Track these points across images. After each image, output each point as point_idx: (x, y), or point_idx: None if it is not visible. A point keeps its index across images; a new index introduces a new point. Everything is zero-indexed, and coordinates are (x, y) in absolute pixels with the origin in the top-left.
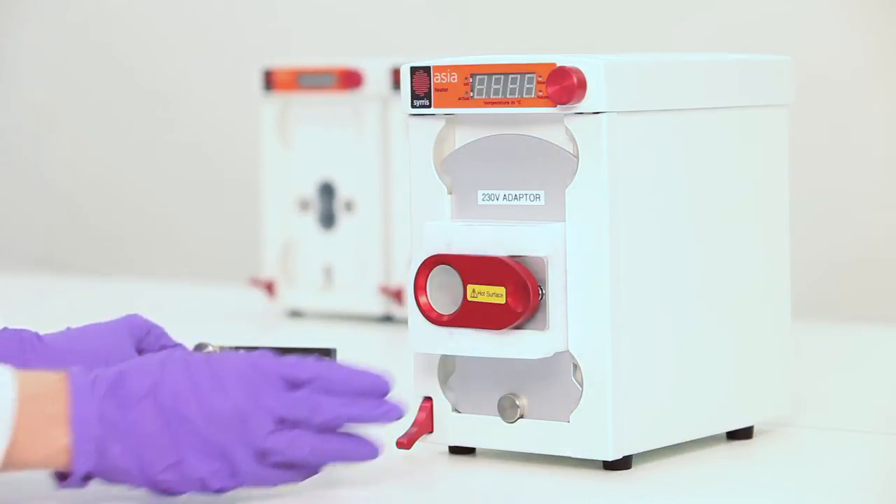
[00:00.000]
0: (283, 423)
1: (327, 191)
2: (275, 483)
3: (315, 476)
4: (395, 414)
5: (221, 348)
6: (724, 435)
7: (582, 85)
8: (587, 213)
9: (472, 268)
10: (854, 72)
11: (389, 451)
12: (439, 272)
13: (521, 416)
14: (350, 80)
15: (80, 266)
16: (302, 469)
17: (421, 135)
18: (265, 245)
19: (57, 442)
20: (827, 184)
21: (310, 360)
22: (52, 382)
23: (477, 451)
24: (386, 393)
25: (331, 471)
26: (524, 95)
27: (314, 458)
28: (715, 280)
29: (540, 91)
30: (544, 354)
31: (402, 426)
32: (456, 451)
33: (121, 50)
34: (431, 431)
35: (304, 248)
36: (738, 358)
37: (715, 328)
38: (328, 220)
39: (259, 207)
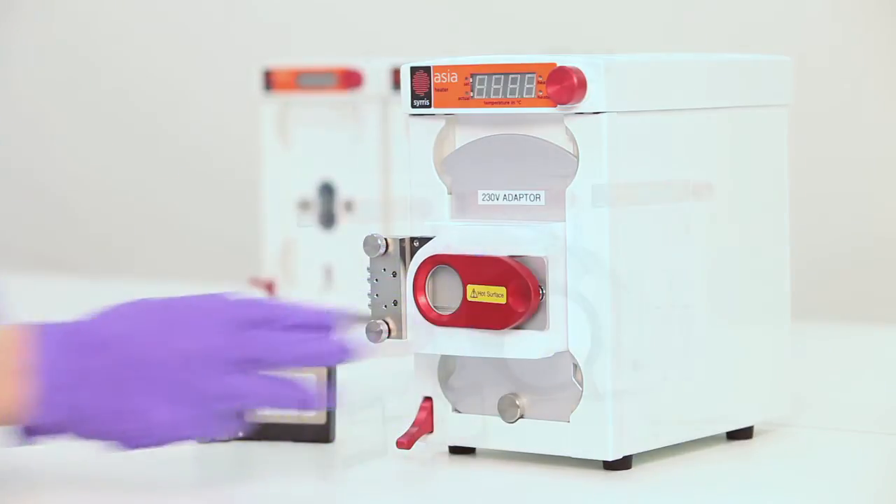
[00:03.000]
0: (238, 365)
1: (327, 191)
2: (219, 433)
3: (315, 476)
4: (346, 352)
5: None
6: (724, 435)
7: (582, 85)
8: (587, 213)
9: (472, 268)
10: (853, 72)
11: (389, 451)
12: (438, 272)
13: (521, 416)
14: (350, 80)
15: (80, 266)
16: (241, 418)
17: (421, 135)
18: (265, 245)
19: (12, 394)
20: (827, 184)
21: (262, 298)
22: (4, 335)
23: (477, 451)
24: (333, 327)
25: (330, 471)
26: (524, 95)
27: (262, 401)
28: (715, 280)
29: (540, 91)
30: (544, 354)
31: (402, 426)
32: (456, 451)
33: (121, 50)
34: (431, 431)
35: (304, 248)
36: (738, 358)
37: (715, 328)
38: (328, 220)
39: (259, 207)
